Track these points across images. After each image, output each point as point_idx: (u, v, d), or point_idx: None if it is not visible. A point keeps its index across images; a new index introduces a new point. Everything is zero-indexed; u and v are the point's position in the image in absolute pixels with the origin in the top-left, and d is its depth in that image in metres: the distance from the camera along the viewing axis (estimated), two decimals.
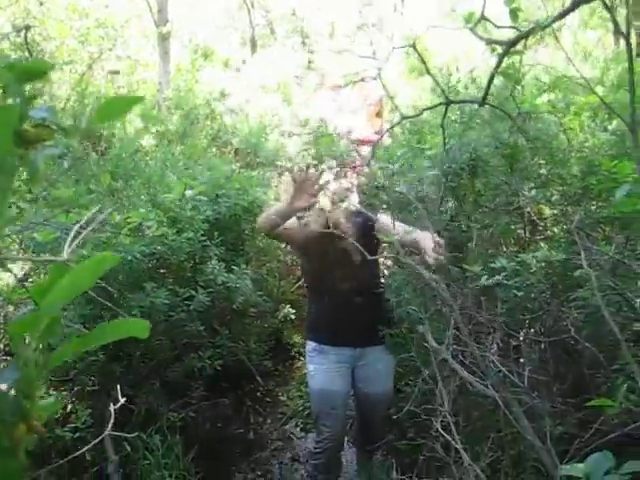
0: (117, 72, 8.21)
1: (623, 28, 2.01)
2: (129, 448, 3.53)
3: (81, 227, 0.91)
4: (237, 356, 4.52)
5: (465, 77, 4.55)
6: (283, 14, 17.37)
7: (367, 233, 3.11)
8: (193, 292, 3.86)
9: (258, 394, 4.70)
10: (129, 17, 10.19)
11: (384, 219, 3.21)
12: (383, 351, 3.25)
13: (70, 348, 0.73)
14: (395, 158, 3.86)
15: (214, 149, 7.36)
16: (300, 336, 5.28)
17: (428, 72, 3.04)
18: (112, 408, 1.15)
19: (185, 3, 14.17)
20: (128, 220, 3.47)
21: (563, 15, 2.44)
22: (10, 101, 0.66)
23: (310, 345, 3.28)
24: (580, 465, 1.52)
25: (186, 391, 4.16)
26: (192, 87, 8.76)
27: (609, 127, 3.83)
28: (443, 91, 2.77)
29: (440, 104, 3.09)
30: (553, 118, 3.83)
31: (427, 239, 2.86)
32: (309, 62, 14.80)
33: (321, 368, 3.20)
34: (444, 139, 3.24)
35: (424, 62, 2.98)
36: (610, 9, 3.36)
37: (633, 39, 9.59)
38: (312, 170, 3.00)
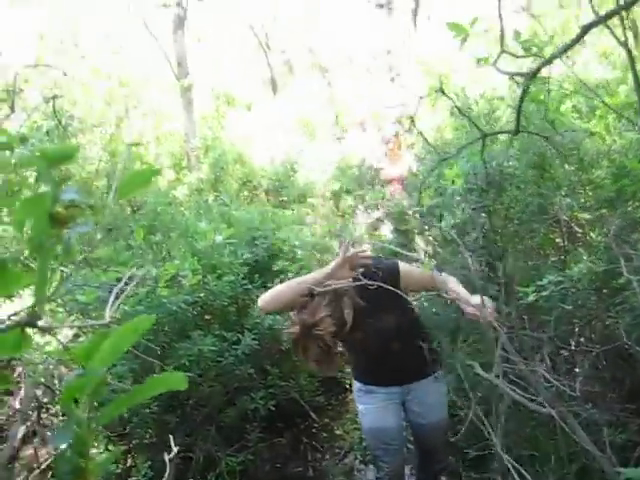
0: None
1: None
2: None
3: (122, 285, 0.95)
4: (289, 394, 4.53)
5: (485, 102, 4.58)
6: (300, 51, 17.62)
7: (391, 282, 2.91)
8: (240, 336, 3.90)
9: (314, 430, 4.69)
10: (149, 74, 10.47)
11: (405, 267, 3.11)
12: (432, 382, 3.16)
13: (116, 407, 0.77)
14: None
15: (245, 192, 7.47)
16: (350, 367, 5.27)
17: (461, 112, 3.10)
18: (167, 458, 1.18)
19: (203, 52, 14.50)
20: (164, 272, 3.54)
21: (577, 40, 2.47)
22: (43, 186, 0.71)
23: (356, 385, 3.23)
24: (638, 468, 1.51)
25: (242, 434, 4.18)
26: (218, 134, 8.93)
27: (636, 127, 3.79)
28: (478, 127, 2.79)
29: (477, 139, 3.12)
30: (579, 123, 3.83)
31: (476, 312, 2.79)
32: (331, 97, 14.96)
33: (370, 407, 3.15)
34: (485, 170, 3.25)
35: (456, 105, 3.03)
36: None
37: None
38: (357, 246, 3.00)
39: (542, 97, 3.03)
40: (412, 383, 3.14)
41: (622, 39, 2.01)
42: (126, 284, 1.00)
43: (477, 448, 3.35)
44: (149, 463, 3.62)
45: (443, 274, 3.08)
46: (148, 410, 3.48)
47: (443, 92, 2.63)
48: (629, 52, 1.86)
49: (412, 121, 3.02)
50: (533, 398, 2.72)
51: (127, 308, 3.26)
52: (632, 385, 3.41)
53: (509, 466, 2.69)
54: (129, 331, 0.73)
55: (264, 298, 2.87)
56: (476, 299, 2.80)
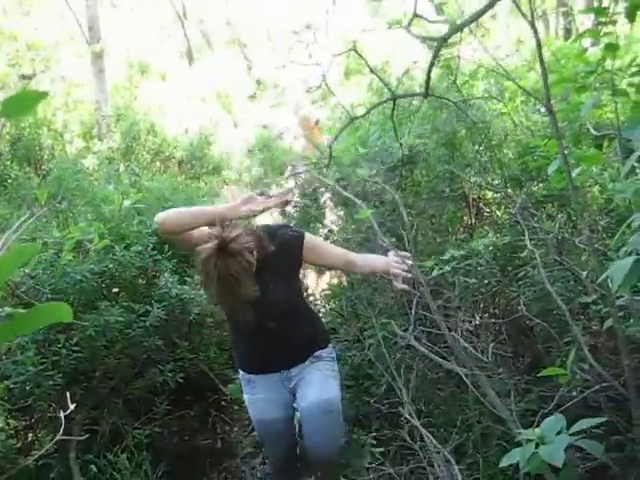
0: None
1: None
2: (96, 470, 3.49)
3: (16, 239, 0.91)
4: (198, 367, 4.49)
5: (400, 73, 4.63)
6: (218, 24, 17.34)
7: (292, 251, 2.85)
8: (148, 307, 3.83)
9: (223, 403, 4.67)
10: (61, 38, 10.05)
11: (313, 239, 2.96)
12: (318, 360, 2.94)
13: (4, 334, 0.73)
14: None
15: (158, 163, 7.32)
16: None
17: (372, 71, 3.11)
18: (62, 414, 1.15)
19: (117, 20, 14.04)
20: (69, 236, 3.42)
21: (487, 8, 2.53)
22: None
23: (240, 373, 3.05)
24: (536, 429, 1.60)
25: (150, 407, 4.12)
26: (131, 104, 8.69)
27: (542, 109, 3.93)
28: (389, 88, 2.82)
29: (387, 100, 3.15)
30: (488, 105, 3.93)
31: (392, 265, 2.81)
32: (249, 69, 14.82)
33: (252, 398, 2.98)
34: (396, 133, 3.28)
35: (367, 64, 3.04)
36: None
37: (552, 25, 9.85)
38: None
39: (451, 64, 3.08)
40: (293, 367, 2.93)
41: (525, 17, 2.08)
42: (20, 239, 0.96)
43: (390, 405, 3.45)
44: (52, 437, 3.53)
45: (353, 254, 3.02)
46: (52, 382, 3.37)
47: (356, 51, 2.65)
48: (534, 30, 1.93)
49: (324, 80, 3.00)
50: (447, 359, 2.82)
51: (27, 270, 3.14)
52: (532, 358, 3.57)
53: (416, 424, 2.78)
54: (11, 259, 0.68)
55: (163, 215, 2.74)
56: (390, 256, 2.84)
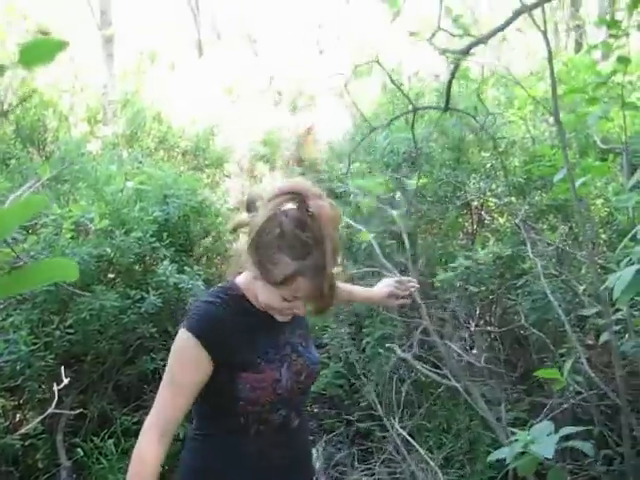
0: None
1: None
2: (82, 453, 3.48)
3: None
4: None
5: (411, 76, 4.63)
6: (229, 18, 17.35)
7: None
8: (144, 294, 3.82)
9: None
10: (72, 21, 10.04)
11: None
12: None
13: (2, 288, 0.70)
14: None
15: (161, 152, 7.30)
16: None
17: (393, 83, 3.11)
18: (56, 388, 1.14)
19: (130, 7, 14.03)
20: (69, 215, 3.41)
21: (508, 23, 2.53)
22: None
23: None
24: (526, 433, 1.61)
25: (140, 394, 4.12)
26: (139, 90, 8.67)
27: (550, 120, 3.93)
28: (410, 101, 2.82)
29: (407, 112, 3.15)
30: (497, 112, 3.93)
31: (391, 297, 2.25)
32: (258, 64, 14.82)
33: None
34: (415, 142, 3.27)
35: (390, 76, 3.04)
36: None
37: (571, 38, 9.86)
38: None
39: (469, 75, 3.08)
40: None
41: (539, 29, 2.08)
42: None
43: (369, 420, 3.45)
44: (40, 418, 3.52)
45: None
46: (43, 363, 3.37)
47: (379, 63, 2.65)
48: (547, 41, 1.93)
49: (345, 89, 2.99)
50: (439, 372, 2.81)
51: (26, 246, 3.13)
52: (525, 368, 3.57)
53: (397, 439, 2.78)
54: (16, 212, 0.66)
55: None
56: (388, 282, 2.32)
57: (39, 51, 0.68)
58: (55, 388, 1.16)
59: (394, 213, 3.22)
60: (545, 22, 2.25)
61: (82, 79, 8.47)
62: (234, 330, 1.62)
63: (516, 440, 1.64)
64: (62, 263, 0.70)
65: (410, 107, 2.85)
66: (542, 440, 1.57)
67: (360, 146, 3.94)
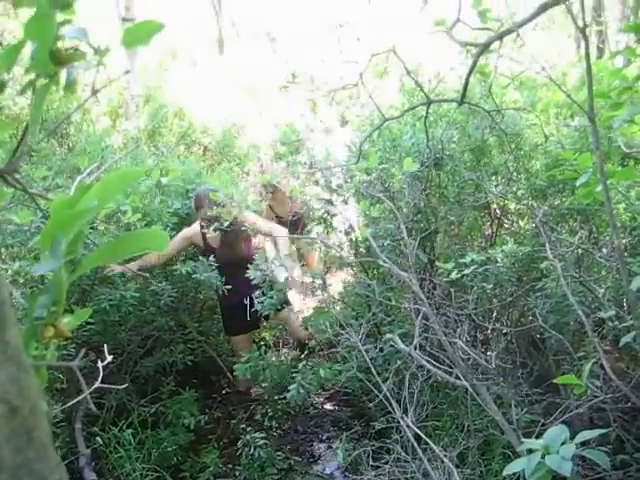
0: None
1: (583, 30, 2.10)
2: (101, 442, 3.52)
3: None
4: (207, 352, 4.52)
5: (434, 76, 4.62)
6: (250, 16, 17.38)
7: None
8: (163, 286, 3.85)
9: (228, 389, 4.70)
10: (96, 16, 10.12)
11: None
12: None
13: (92, 259, 0.73)
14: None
15: (182, 148, 7.35)
16: (269, 332, 5.28)
17: (408, 73, 3.11)
18: (100, 364, 1.16)
19: (153, 4, 14.10)
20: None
21: (534, 17, 2.52)
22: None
23: None
24: (539, 440, 1.59)
25: (157, 386, 4.16)
26: (161, 85, 8.72)
27: (571, 124, 3.91)
28: (424, 91, 2.82)
29: (421, 104, 3.15)
30: (519, 114, 3.92)
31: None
32: (281, 62, 14.82)
33: None
34: (427, 135, 3.28)
35: (405, 65, 3.04)
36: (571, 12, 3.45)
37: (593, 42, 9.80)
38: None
39: (488, 70, 3.07)
40: None
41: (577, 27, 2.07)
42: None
43: (383, 420, 3.45)
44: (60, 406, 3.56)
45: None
46: (64, 351, 3.40)
47: (395, 52, 2.64)
48: (585, 38, 1.92)
49: (360, 78, 2.99)
50: (449, 370, 2.81)
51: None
52: (540, 370, 3.56)
53: (410, 436, 2.78)
54: (116, 181, 0.69)
55: None
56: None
57: (139, 33, 0.71)
58: (100, 365, 1.19)
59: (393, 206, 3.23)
60: (584, 19, 2.23)
61: (105, 74, 8.53)
62: None
63: (530, 450, 1.62)
64: (154, 233, 0.73)
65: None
66: (556, 447, 1.56)
67: (384, 145, 3.94)
